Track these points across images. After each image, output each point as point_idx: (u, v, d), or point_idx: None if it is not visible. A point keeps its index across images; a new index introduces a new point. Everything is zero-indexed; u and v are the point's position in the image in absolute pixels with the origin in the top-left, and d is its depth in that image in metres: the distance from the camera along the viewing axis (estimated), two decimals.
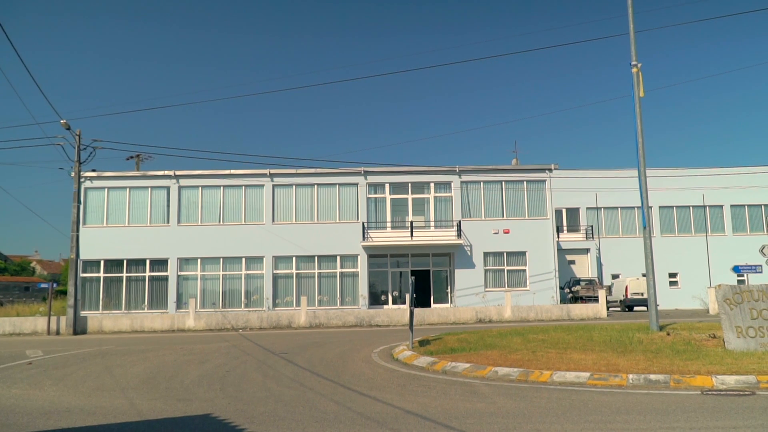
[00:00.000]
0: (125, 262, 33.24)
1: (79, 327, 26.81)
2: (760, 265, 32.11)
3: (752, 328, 12.58)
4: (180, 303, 32.65)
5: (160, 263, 33.38)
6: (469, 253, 33.76)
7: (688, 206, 43.72)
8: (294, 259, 33.51)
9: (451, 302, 33.67)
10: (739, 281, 39.49)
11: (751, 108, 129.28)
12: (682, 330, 16.15)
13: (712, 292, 31.91)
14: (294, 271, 33.49)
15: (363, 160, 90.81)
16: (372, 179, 34.27)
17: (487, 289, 33.40)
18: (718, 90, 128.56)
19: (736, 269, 33.27)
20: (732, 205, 43.67)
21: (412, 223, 33.68)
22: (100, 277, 33.06)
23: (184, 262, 33.46)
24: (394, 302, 33.73)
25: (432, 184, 34.49)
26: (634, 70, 17.45)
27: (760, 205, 43.51)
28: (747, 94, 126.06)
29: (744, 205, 43.67)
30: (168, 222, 33.75)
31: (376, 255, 33.97)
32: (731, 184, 42.71)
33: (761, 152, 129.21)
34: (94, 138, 27.99)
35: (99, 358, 15.68)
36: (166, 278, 33.20)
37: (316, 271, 33.55)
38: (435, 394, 9.55)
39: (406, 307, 29.79)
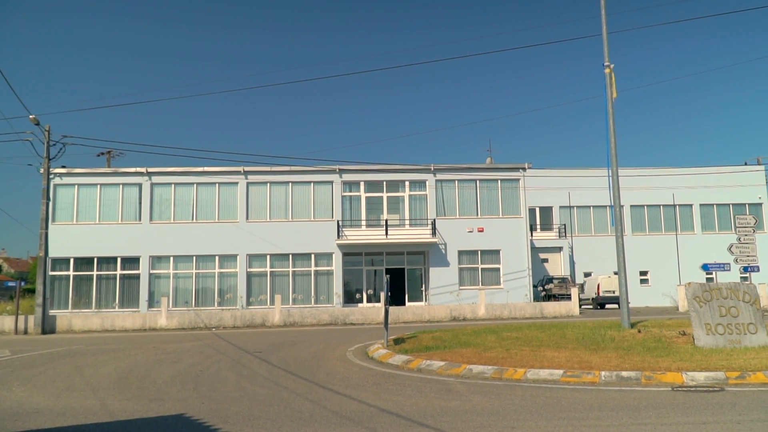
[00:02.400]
0: (96, 260, 32.75)
1: (47, 326, 26.38)
2: (728, 264, 32.69)
3: (721, 325, 12.81)
4: (152, 301, 32.25)
5: (131, 261, 32.94)
6: (443, 251, 33.88)
7: (659, 205, 44.41)
8: (268, 257, 33.32)
9: (426, 300, 33.76)
10: (707, 279, 40.21)
11: (720, 109, 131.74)
12: (653, 327, 16.36)
13: (682, 290, 32.45)
14: (268, 269, 33.30)
15: (338, 158, 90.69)
16: (347, 177, 34.20)
17: (461, 288, 33.55)
18: (687, 91, 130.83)
19: (705, 267, 33.87)
20: (701, 205, 44.47)
21: (387, 221, 33.70)
22: (69, 276, 32.53)
23: (156, 260, 33.07)
24: (369, 300, 33.71)
25: (407, 183, 34.54)
26: (607, 71, 17.60)
27: (728, 205, 44.33)
28: (716, 95, 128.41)
29: (713, 205, 44.49)
30: (140, 219, 33.32)
31: (350, 253, 33.92)
32: (700, 183, 43.46)
33: (729, 153, 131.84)
34: (63, 134, 27.50)
35: (69, 358, 15.43)
36: (137, 276, 32.77)
37: (291, 269, 33.40)
38: (410, 393, 9.56)
39: (380, 305, 29.82)
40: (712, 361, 10.90)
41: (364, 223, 34.07)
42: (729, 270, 33.44)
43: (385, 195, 34.47)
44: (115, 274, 32.77)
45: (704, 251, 41.36)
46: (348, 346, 16.97)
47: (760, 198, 44.31)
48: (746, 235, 29.46)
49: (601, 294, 37.14)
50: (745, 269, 29.52)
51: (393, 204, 34.52)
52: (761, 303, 13.89)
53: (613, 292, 35.58)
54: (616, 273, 32.23)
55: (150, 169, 33.49)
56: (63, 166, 32.73)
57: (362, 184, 34.35)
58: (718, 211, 44.53)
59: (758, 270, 30.13)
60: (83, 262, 32.76)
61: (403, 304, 33.11)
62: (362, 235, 33.62)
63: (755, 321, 12.87)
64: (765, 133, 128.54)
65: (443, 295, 33.10)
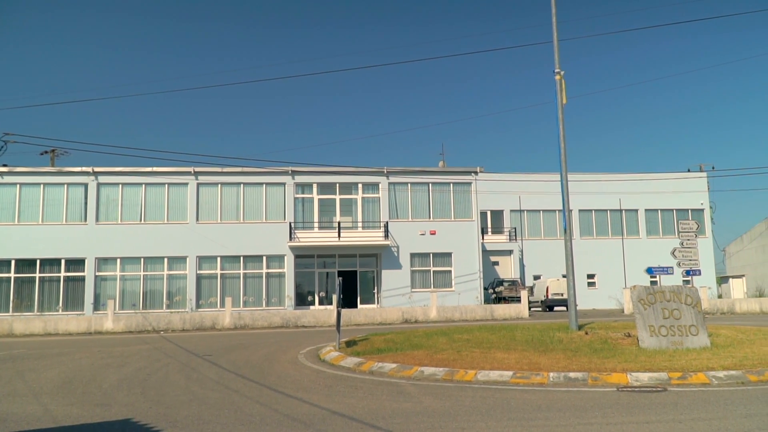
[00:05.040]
0: (38, 261, 31.77)
1: None
2: (672, 267, 33.67)
3: (664, 327, 13.18)
4: (98, 304, 31.46)
5: (76, 263, 32.07)
6: (396, 253, 34.01)
7: (606, 210, 45.51)
8: (219, 259, 32.88)
9: (378, 303, 33.82)
10: (652, 282, 41.29)
11: (664, 116, 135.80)
12: (600, 329, 16.71)
13: (628, 293, 33.27)
14: (219, 271, 32.86)
15: (290, 159, 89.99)
16: (299, 179, 34.03)
17: (413, 290, 33.72)
18: (633, 98, 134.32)
19: (650, 271, 34.75)
20: (646, 210, 45.74)
21: (339, 223, 33.65)
22: (10, 278, 31.48)
23: (103, 261, 32.27)
24: (321, 303, 33.60)
25: (360, 185, 34.56)
26: (558, 77, 17.94)
27: (672, 210, 45.69)
28: (660, 103, 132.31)
29: (657, 210, 45.81)
30: (85, 220, 32.47)
31: (303, 255, 33.75)
32: (645, 189, 44.69)
33: (674, 160, 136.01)
34: (5, 131, 26.61)
35: (9, 363, 14.91)
36: (82, 279, 31.92)
37: (242, 271, 33.03)
38: (362, 395, 9.56)
39: (332, 307, 29.70)
40: (655, 362, 11.19)
41: (316, 225, 33.95)
42: (672, 273, 34.41)
43: (337, 197, 34.42)
44: (59, 277, 31.86)
45: (649, 255, 42.49)
46: (300, 348, 16.85)
47: (702, 204, 45.84)
48: (689, 239, 30.49)
49: (549, 296, 37.79)
50: (688, 272, 30.53)
51: (346, 206, 34.50)
52: (702, 306, 14.36)
53: (562, 294, 36.25)
54: (564, 276, 32.90)
55: (96, 169, 32.69)
56: (4, 165, 31.76)
57: (315, 185, 34.24)
58: (662, 216, 45.87)
59: (700, 273, 31.18)
60: (25, 264, 31.75)
61: (356, 306, 33.11)
62: (315, 237, 33.49)
63: (697, 323, 13.29)
64: (707, 140, 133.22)
65: (395, 298, 33.22)
